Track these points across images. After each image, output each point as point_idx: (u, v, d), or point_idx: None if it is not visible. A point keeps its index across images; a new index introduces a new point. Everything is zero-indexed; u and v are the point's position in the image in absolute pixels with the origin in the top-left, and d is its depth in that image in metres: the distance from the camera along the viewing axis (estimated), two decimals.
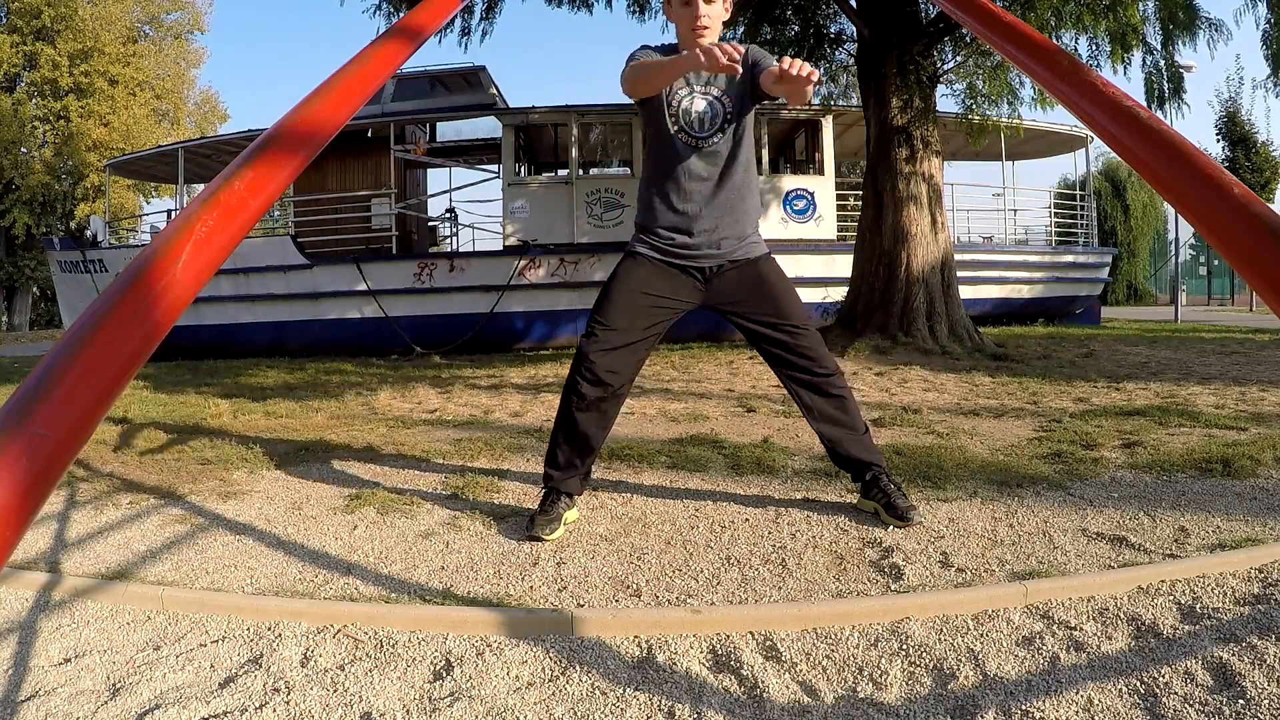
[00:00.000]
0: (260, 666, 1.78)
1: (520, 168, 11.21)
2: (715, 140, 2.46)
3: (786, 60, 1.99)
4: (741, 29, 8.68)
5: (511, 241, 10.15)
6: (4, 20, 26.52)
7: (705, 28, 2.40)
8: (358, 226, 10.99)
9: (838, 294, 8.60)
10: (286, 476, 3.31)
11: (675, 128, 2.46)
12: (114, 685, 1.73)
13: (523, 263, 9.89)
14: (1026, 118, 9.21)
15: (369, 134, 11.16)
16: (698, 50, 2.02)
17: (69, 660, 1.85)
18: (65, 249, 11.67)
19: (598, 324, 2.52)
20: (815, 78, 2.01)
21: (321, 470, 3.39)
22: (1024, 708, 1.53)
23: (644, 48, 2.49)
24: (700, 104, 2.45)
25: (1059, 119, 11.49)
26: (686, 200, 2.48)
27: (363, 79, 1.00)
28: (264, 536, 2.61)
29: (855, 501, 2.69)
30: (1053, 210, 13.10)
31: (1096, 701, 1.55)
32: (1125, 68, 7.25)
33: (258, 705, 1.62)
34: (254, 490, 3.12)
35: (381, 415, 4.79)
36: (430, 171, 13.38)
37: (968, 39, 7.43)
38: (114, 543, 2.60)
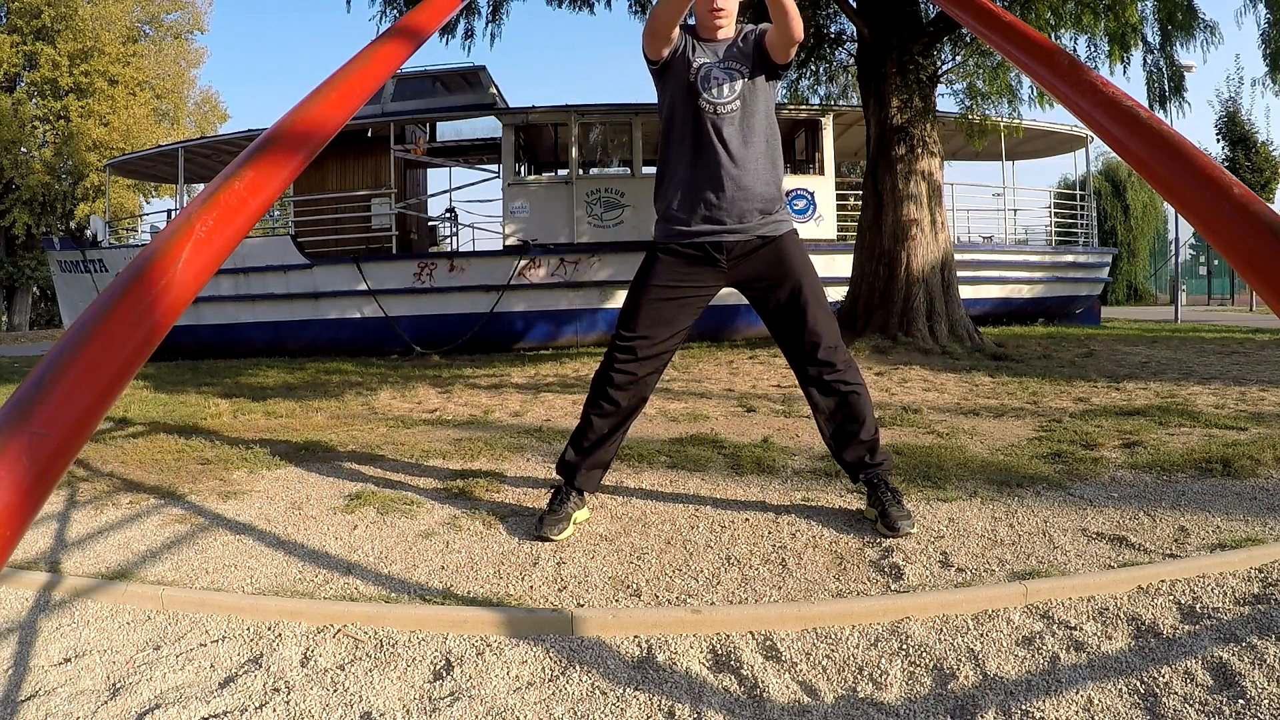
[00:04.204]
0: (260, 666, 1.78)
1: (520, 168, 11.21)
2: (734, 105, 2.46)
3: None
4: None
5: (511, 241, 10.15)
6: (4, 20, 26.52)
7: (721, 10, 2.43)
8: (358, 226, 10.99)
9: (838, 294, 8.61)
10: (286, 476, 3.31)
11: (695, 93, 2.46)
12: (114, 685, 1.73)
13: (523, 263, 9.89)
14: (1026, 118, 9.22)
15: (369, 134, 11.16)
16: None
17: (69, 660, 1.85)
18: (65, 249, 11.66)
19: (625, 333, 2.54)
20: None
21: (321, 470, 3.40)
22: (1024, 708, 1.53)
23: None
24: (717, 72, 2.46)
25: (1059, 119, 11.49)
26: (707, 170, 2.46)
27: (363, 79, 1.00)
28: (264, 536, 2.61)
29: (860, 509, 2.65)
30: (1053, 210, 13.10)
31: (1096, 701, 1.55)
32: (1125, 67, 7.27)
33: (258, 705, 1.62)
34: (254, 490, 3.12)
35: (381, 415, 4.79)
36: (430, 171, 13.38)
37: (968, 39, 7.44)
38: (114, 543, 2.60)
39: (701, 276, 2.54)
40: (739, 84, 2.45)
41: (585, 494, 2.66)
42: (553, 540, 2.47)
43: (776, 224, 2.54)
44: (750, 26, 2.50)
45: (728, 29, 2.51)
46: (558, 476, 2.68)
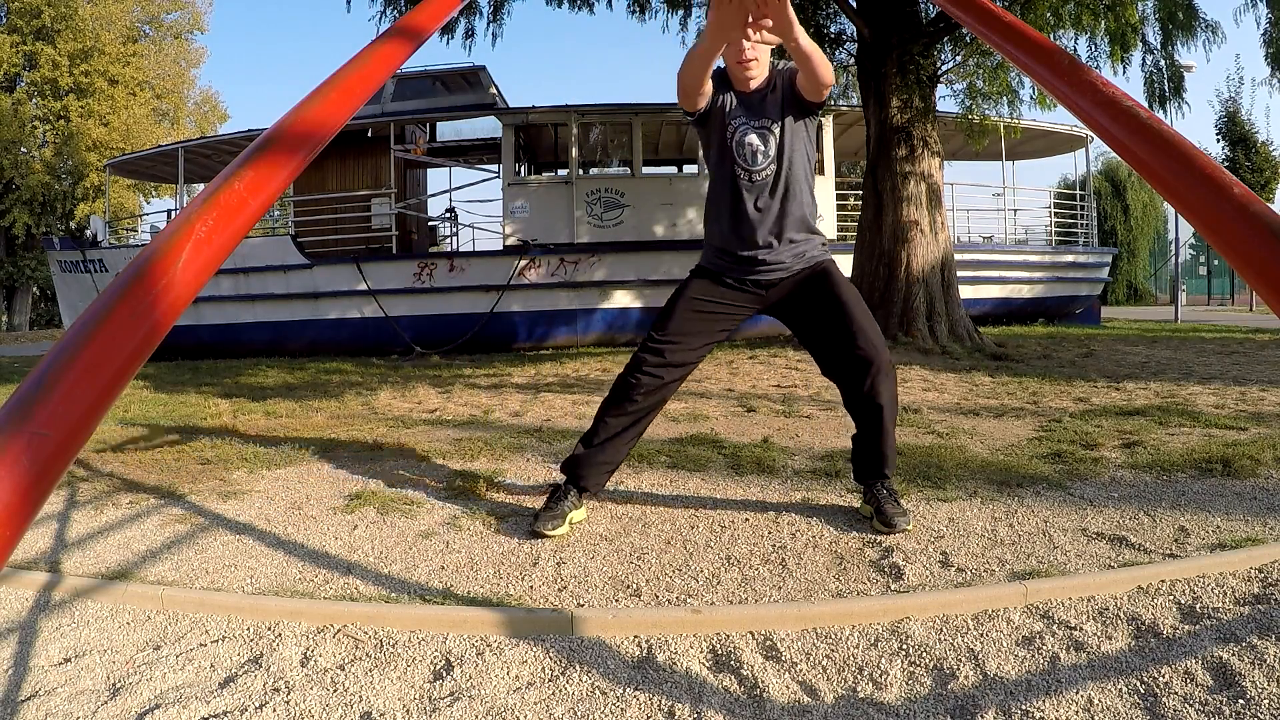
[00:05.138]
0: (260, 666, 1.78)
1: (520, 168, 11.21)
2: (768, 171, 2.50)
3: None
4: None
5: (511, 241, 10.15)
6: (4, 20, 26.52)
7: (751, 60, 2.43)
8: (358, 226, 10.99)
9: None
10: (286, 476, 3.31)
11: (730, 159, 2.51)
12: (114, 685, 1.73)
13: (523, 263, 9.89)
14: (1026, 118, 9.22)
15: (369, 134, 11.16)
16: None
17: (69, 660, 1.85)
18: (65, 249, 11.67)
19: (657, 335, 2.58)
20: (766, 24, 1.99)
21: (321, 470, 3.39)
22: (1024, 708, 1.53)
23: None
24: (752, 136, 2.49)
25: (1059, 119, 11.49)
26: (745, 225, 2.53)
27: (363, 79, 1.00)
28: (264, 536, 2.61)
29: (858, 505, 2.68)
30: (1053, 210, 13.10)
31: (1096, 701, 1.55)
32: (1125, 67, 7.26)
33: (258, 705, 1.62)
34: (254, 490, 3.12)
35: (381, 415, 4.79)
36: (430, 171, 13.38)
37: (968, 39, 7.44)
38: (114, 543, 2.60)
39: (739, 299, 2.61)
40: (772, 144, 2.48)
41: (585, 494, 2.66)
42: (547, 537, 2.47)
43: (817, 257, 2.59)
44: (783, 68, 2.51)
45: (760, 78, 2.50)
46: (560, 475, 2.68)
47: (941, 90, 8.02)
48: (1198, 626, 1.82)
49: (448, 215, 12.93)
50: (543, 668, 1.76)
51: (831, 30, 8.68)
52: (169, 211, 15.96)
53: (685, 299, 2.61)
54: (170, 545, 2.56)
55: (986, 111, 7.96)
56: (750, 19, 1.96)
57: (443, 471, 3.29)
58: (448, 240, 12.97)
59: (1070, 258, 12.69)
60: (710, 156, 2.60)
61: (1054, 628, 1.84)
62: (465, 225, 13.12)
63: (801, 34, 2.10)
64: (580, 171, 10.59)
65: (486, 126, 11.50)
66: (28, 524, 0.54)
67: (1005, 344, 7.51)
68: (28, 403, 0.57)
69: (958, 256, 8.23)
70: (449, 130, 12.36)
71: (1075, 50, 7.02)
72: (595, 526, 2.60)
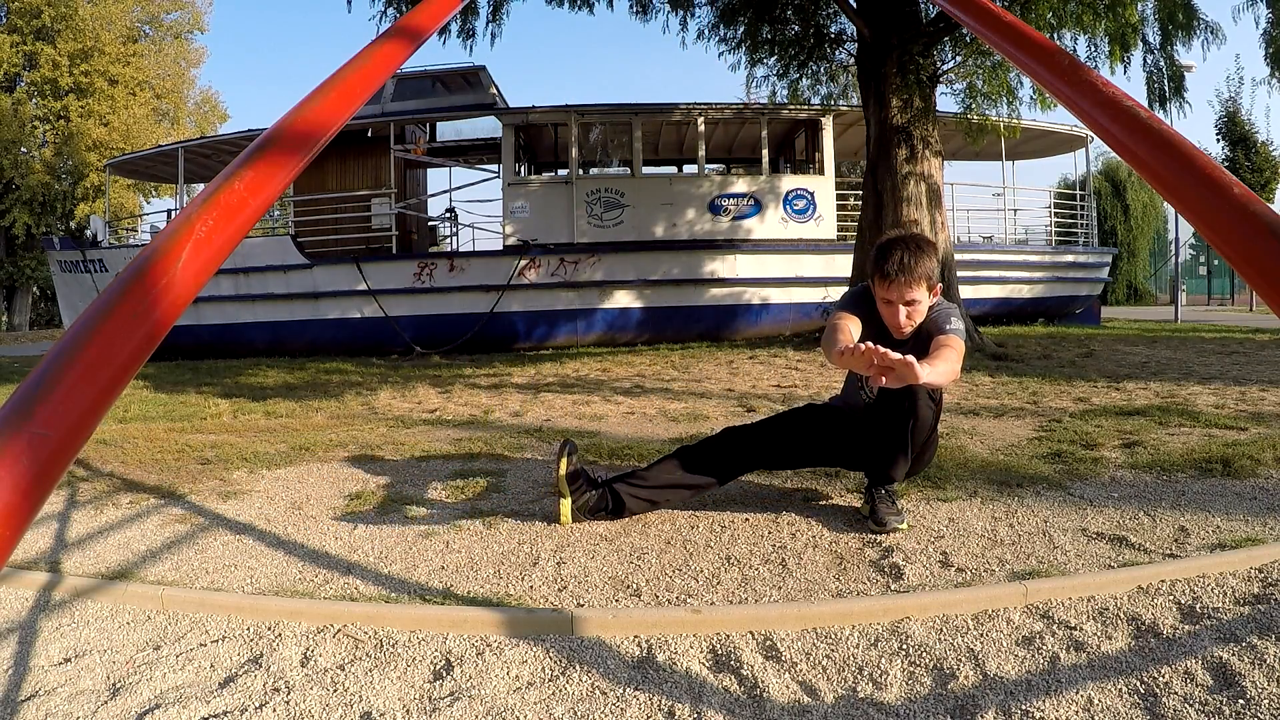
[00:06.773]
0: (260, 666, 1.78)
1: (520, 168, 11.22)
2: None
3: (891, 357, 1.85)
4: (742, 28, 8.69)
5: (511, 241, 10.15)
6: (4, 20, 26.53)
7: (908, 323, 2.41)
8: (358, 226, 11.00)
9: (837, 293, 8.61)
10: (286, 476, 3.31)
11: (859, 378, 2.58)
12: (114, 685, 1.73)
13: (523, 262, 9.90)
14: (1026, 118, 9.22)
15: (369, 134, 11.17)
16: (857, 354, 1.90)
17: (69, 660, 1.85)
18: (65, 249, 11.67)
19: (755, 436, 2.66)
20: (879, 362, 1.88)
21: (321, 470, 3.39)
22: (1024, 708, 1.53)
23: (851, 300, 2.55)
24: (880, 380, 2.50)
25: (1059, 119, 11.49)
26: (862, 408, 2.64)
27: (363, 79, 1.00)
28: (264, 536, 2.61)
29: (858, 505, 2.69)
30: (1053, 210, 13.10)
31: (1096, 701, 1.55)
32: (1125, 67, 7.26)
33: (258, 705, 1.62)
34: (254, 490, 3.12)
35: (381, 415, 4.79)
36: (430, 171, 13.38)
37: (968, 39, 7.44)
38: (114, 543, 2.60)
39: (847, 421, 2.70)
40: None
41: (604, 508, 2.62)
42: (556, 464, 2.54)
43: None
44: (934, 316, 2.42)
45: (912, 329, 2.45)
46: (601, 477, 2.67)
47: (941, 90, 8.02)
48: (1198, 626, 1.82)
49: (448, 215, 12.94)
50: (543, 668, 1.76)
51: (831, 30, 8.68)
52: (169, 211, 15.97)
53: (799, 425, 2.68)
54: (170, 545, 2.56)
55: (986, 111, 7.96)
56: (875, 369, 1.91)
57: (443, 471, 3.29)
58: (448, 240, 12.98)
59: (1070, 258, 12.69)
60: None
61: (1054, 628, 1.84)
62: (465, 225, 13.14)
63: (926, 377, 1.95)
64: (580, 171, 10.59)
65: (486, 126, 11.51)
66: (28, 524, 0.54)
67: (1005, 344, 7.50)
68: (28, 403, 0.57)
69: (958, 256, 8.23)
70: (449, 130, 12.37)
71: (1075, 50, 7.02)
72: (595, 526, 2.60)
